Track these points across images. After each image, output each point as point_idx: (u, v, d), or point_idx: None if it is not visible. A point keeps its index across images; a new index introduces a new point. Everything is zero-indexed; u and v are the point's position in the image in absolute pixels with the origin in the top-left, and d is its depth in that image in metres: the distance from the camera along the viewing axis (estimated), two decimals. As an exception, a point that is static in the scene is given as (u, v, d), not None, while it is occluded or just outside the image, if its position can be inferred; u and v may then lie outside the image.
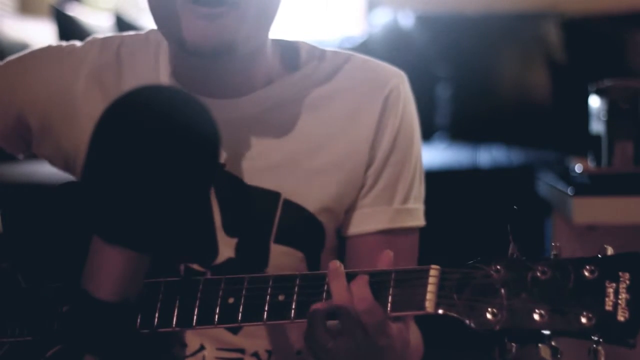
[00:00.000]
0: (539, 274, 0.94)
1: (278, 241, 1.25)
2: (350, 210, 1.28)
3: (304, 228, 1.25)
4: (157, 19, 1.22)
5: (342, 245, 1.31)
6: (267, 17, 1.20)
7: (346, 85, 1.27)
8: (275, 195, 1.25)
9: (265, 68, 1.26)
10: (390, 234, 1.27)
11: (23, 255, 1.21)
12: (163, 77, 1.28)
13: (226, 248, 1.25)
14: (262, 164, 1.25)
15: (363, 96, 1.27)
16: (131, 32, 1.36)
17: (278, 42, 1.29)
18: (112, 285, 1.08)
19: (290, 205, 1.25)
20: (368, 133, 1.26)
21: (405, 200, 1.28)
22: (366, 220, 1.27)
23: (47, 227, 1.20)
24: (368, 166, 1.26)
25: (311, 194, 1.25)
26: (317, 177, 1.25)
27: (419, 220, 1.30)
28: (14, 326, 1.16)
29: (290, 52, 1.29)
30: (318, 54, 1.30)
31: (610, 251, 0.93)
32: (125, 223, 1.07)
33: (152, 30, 1.31)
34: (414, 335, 1.25)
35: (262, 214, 1.25)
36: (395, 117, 1.26)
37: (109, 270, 1.08)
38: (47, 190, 1.23)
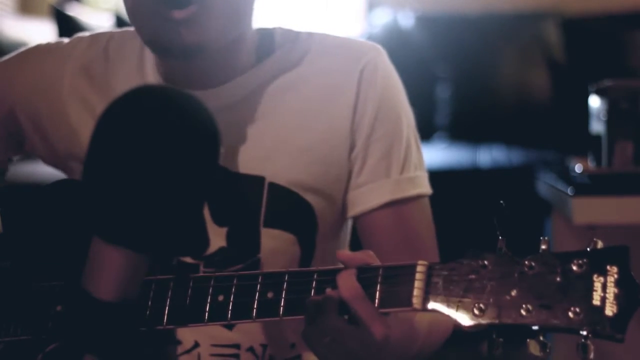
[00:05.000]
0: (526, 269, 0.93)
1: (267, 225, 1.25)
2: (347, 191, 1.27)
3: (292, 210, 1.25)
4: (131, 21, 1.22)
5: (353, 232, 1.30)
6: (238, 14, 1.20)
7: (322, 64, 1.27)
8: (260, 179, 1.24)
9: (243, 57, 1.26)
10: (396, 206, 1.26)
11: (23, 255, 1.20)
12: (148, 70, 1.28)
13: (217, 238, 1.25)
14: (244, 151, 1.25)
15: (339, 72, 1.26)
16: (121, 29, 1.37)
17: (257, 31, 1.29)
18: (112, 285, 1.08)
19: (275, 188, 1.24)
20: (347, 109, 1.25)
21: (403, 169, 1.26)
22: (366, 197, 1.26)
23: (47, 227, 1.20)
24: (352, 143, 1.25)
25: (295, 174, 1.25)
26: (300, 157, 1.25)
27: (424, 187, 1.28)
28: (11, 325, 1.16)
29: (266, 38, 1.29)
30: (292, 36, 1.29)
31: (600, 245, 0.92)
32: (126, 223, 1.07)
33: None
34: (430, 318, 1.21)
35: (248, 199, 1.24)
36: (374, 91, 1.25)
37: (109, 270, 1.08)
38: (39, 188, 1.22)
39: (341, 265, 1.04)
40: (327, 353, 1.05)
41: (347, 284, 1.01)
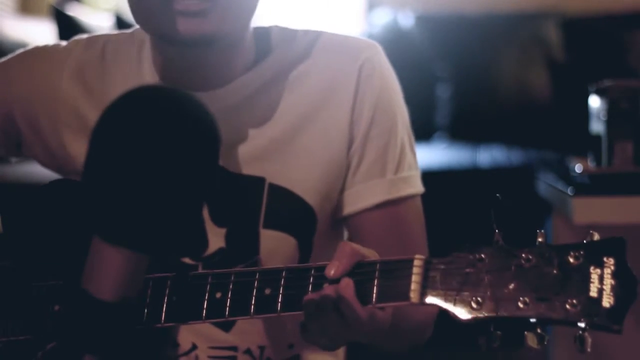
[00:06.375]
0: (523, 261, 0.93)
1: (267, 226, 1.25)
2: (343, 190, 1.27)
3: (292, 211, 1.25)
4: (135, 13, 1.21)
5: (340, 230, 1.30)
6: (247, 11, 1.21)
7: (319, 62, 1.27)
8: (260, 180, 1.24)
9: (243, 57, 1.26)
10: (390, 206, 1.26)
11: (22, 255, 1.21)
12: (146, 72, 1.28)
13: (216, 238, 1.25)
14: (245, 152, 1.25)
15: (337, 71, 1.26)
16: (118, 31, 1.37)
17: (253, 30, 1.29)
18: (112, 285, 1.08)
19: (276, 189, 1.24)
20: (345, 108, 1.25)
21: (398, 169, 1.27)
22: (361, 196, 1.26)
23: (47, 226, 1.20)
24: (350, 142, 1.25)
25: (296, 175, 1.25)
26: (301, 158, 1.25)
27: (417, 187, 1.29)
28: (10, 325, 1.16)
29: (262, 38, 1.29)
30: (289, 35, 1.29)
31: (596, 237, 0.92)
32: (126, 223, 1.07)
33: (138, 28, 1.31)
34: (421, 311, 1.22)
35: (248, 200, 1.24)
36: (372, 89, 1.25)
37: (109, 270, 1.08)
38: (38, 188, 1.22)
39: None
40: (316, 338, 1.06)
41: (346, 282, 1.01)
